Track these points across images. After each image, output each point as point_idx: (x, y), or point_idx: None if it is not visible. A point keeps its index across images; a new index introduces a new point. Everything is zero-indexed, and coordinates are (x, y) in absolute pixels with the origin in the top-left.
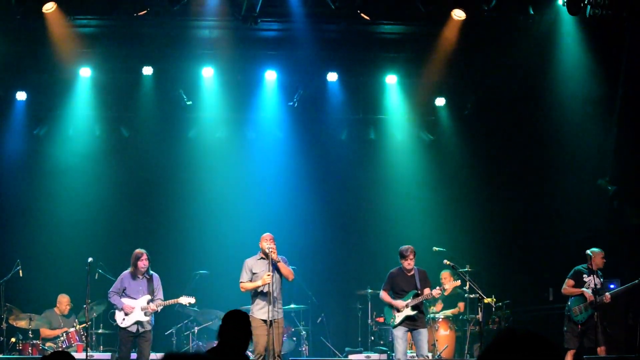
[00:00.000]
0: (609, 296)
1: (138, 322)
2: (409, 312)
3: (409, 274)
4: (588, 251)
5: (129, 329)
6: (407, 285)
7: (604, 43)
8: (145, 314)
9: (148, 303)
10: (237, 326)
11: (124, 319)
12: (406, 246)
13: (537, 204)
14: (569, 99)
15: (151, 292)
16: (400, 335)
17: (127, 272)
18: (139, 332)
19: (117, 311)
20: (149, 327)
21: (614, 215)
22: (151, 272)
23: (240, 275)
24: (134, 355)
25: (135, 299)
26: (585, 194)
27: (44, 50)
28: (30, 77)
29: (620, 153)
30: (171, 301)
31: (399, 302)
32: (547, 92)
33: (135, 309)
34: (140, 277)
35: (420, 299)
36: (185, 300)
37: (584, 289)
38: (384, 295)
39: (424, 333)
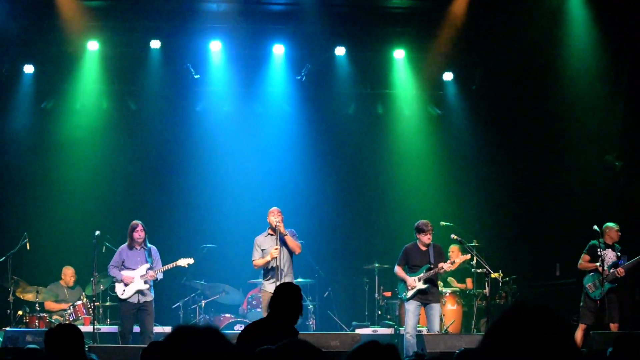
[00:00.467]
0: (622, 270)
1: (139, 292)
2: (420, 285)
3: (423, 249)
4: (603, 226)
5: (130, 300)
6: (421, 260)
7: (612, 18)
8: (145, 282)
9: (147, 271)
10: (288, 298)
11: (124, 291)
12: (425, 220)
13: (544, 179)
14: (577, 74)
15: (150, 262)
16: (411, 309)
17: (124, 245)
18: (140, 303)
19: (117, 283)
20: (150, 298)
21: (620, 191)
22: (149, 244)
23: (252, 253)
24: (137, 329)
25: (134, 269)
26: (592, 169)
27: (52, 23)
28: (38, 51)
29: (628, 129)
30: (170, 265)
31: (409, 280)
32: (555, 67)
33: (134, 279)
34: (138, 248)
35: (431, 272)
36: (184, 261)
37: (597, 264)
38: (398, 270)
39: (436, 308)
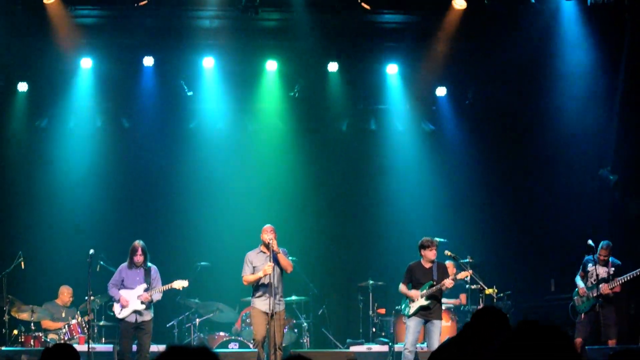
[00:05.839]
0: (606, 286)
1: (136, 312)
2: (422, 302)
3: (427, 266)
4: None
5: (127, 319)
6: (424, 277)
7: (605, 32)
8: (142, 303)
9: (143, 292)
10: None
11: (121, 310)
12: (428, 237)
13: (538, 194)
14: (570, 89)
15: (148, 282)
16: (412, 325)
17: (124, 263)
18: (137, 323)
19: (115, 303)
20: (148, 318)
21: (615, 205)
22: (149, 264)
23: (242, 269)
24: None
25: (132, 289)
26: (586, 184)
27: (45, 40)
28: (32, 68)
29: (622, 143)
30: (165, 287)
31: (413, 292)
32: (548, 82)
33: (130, 302)
34: (138, 267)
35: (434, 289)
36: (178, 284)
37: (576, 280)
38: (402, 287)
39: (437, 324)
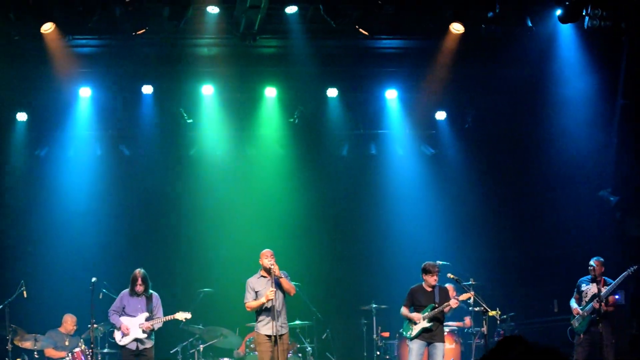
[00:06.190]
0: (597, 302)
1: (137, 340)
2: (424, 324)
3: (429, 290)
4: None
5: (128, 346)
6: (426, 300)
7: (602, 55)
8: (143, 332)
9: (145, 320)
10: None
11: (122, 337)
12: (431, 262)
13: (539, 216)
14: (569, 110)
15: (150, 310)
16: (415, 348)
17: (126, 290)
18: (139, 350)
19: (115, 330)
20: (149, 345)
21: (616, 226)
22: (150, 291)
23: (244, 295)
24: None
25: (134, 316)
26: (587, 205)
27: (44, 70)
28: (30, 98)
29: (621, 164)
30: (167, 317)
31: (415, 315)
32: (547, 105)
33: (131, 330)
34: (139, 295)
35: (436, 311)
36: (181, 315)
37: (570, 303)
38: (403, 310)
39: (439, 347)
